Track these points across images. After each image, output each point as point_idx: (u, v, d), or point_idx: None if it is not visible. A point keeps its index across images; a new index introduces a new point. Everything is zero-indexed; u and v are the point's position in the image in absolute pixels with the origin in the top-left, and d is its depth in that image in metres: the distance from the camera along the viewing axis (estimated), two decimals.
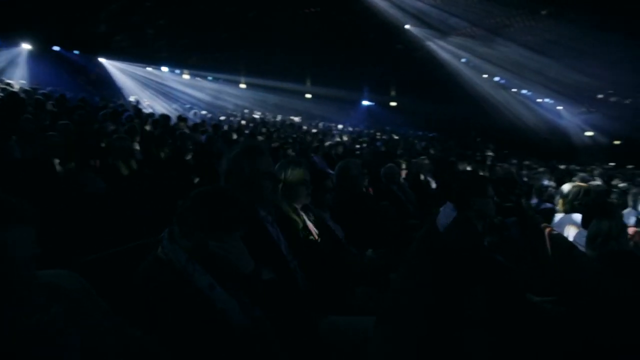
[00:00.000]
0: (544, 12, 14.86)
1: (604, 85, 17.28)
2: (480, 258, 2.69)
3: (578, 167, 14.34)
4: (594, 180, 8.66)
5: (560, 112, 21.19)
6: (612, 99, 18.01)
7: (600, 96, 18.72)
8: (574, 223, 3.80)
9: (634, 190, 4.93)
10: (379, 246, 3.49)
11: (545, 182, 5.86)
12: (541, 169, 11.49)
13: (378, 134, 17.59)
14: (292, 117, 17.50)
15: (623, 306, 2.36)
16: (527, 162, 14.51)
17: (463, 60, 17.04)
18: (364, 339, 2.00)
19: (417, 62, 17.36)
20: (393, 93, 22.54)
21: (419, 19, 14.71)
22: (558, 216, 4.10)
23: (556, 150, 18.36)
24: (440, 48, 16.75)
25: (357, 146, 13.56)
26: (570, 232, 3.71)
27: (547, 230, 3.92)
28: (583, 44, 14.46)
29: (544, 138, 19.94)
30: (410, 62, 17.43)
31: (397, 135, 17.70)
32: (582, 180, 6.02)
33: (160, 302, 1.44)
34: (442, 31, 15.43)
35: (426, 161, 7.74)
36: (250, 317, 1.57)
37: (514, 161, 13.43)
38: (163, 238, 1.59)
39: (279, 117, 16.96)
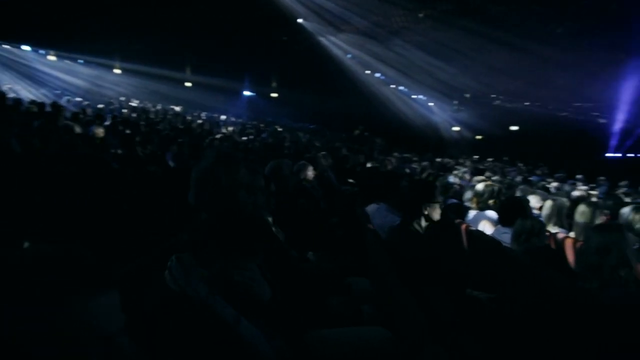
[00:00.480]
0: (421, 15, 16.10)
1: (476, 86, 19.31)
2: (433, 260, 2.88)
3: (452, 160, 15.92)
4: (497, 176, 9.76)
5: (431, 108, 23.20)
6: (482, 99, 20.19)
7: (467, 95, 20.88)
8: (488, 219, 4.23)
9: (522, 186, 5.67)
10: (318, 248, 3.54)
11: (451, 179, 6.41)
12: (425, 163, 12.51)
13: (261, 125, 17.60)
14: (172, 107, 16.70)
15: (552, 295, 2.72)
16: (407, 155, 15.68)
17: (349, 55, 17.81)
18: (352, 352, 2.02)
19: (302, 55, 17.66)
20: (274, 84, 22.65)
21: (314, 13, 15.00)
22: (472, 213, 4.52)
23: (429, 144, 20.07)
24: (331, 43, 17.29)
25: (244, 138, 13.44)
26: (486, 228, 4.13)
27: (463, 226, 4.30)
28: (462, 48, 16.04)
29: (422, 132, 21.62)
30: (295, 54, 17.68)
31: (279, 127, 17.89)
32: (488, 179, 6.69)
33: (186, 343, 1.31)
34: (334, 26, 15.90)
35: (329, 158, 7.94)
36: (274, 347, 1.50)
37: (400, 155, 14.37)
38: (172, 267, 1.44)
39: (159, 106, 16.05)
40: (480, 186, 4.53)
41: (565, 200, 4.74)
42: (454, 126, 23.38)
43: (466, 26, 16.03)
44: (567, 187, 9.55)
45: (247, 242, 1.45)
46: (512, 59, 17.47)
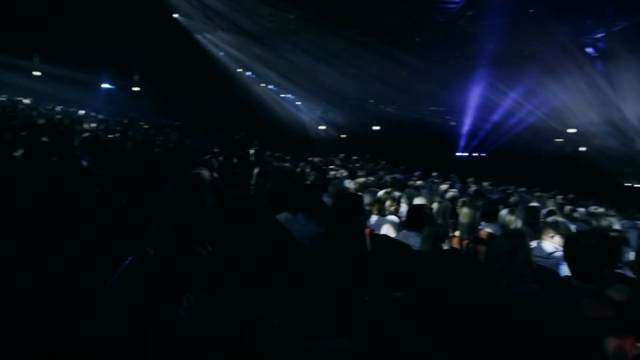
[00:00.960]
0: (292, 16, 16.58)
1: (344, 88, 20.43)
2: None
3: (322, 158, 16.69)
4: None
5: (299, 107, 23.98)
6: (349, 101, 21.41)
7: (338, 98, 21.99)
8: (391, 224, 4.68)
9: (408, 190, 6.33)
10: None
11: (346, 184, 6.81)
12: (302, 163, 12.96)
13: (125, 121, 16.58)
14: (20, 98, 14.84)
15: (468, 292, 3.19)
16: (277, 154, 16.05)
17: (221, 53, 17.60)
18: None
19: (170, 50, 17.00)
20: (137, 77, 21.43)
21: (195, 9, 14.56)
22: (374, 218, 4.95)
23: (298, 142, 20.74)
24: (208, 41, 16.91)
25: (110, 136, 12.58)
26: (390, 232, 4.57)
27: (367, 230, 4.70)
28: (332, 50, 16.87)
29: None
30: (163, 48, 16.95)
31: (144, 123, 17.04)
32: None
33: None
34: (213, 24, 15.60)
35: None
36: None
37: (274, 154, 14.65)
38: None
39: (3, 97, 14.15)
40: (381, 193, 4.99)
41: (448, 203, 5.41)
42: (321, 125, 24.47)
43: (334, 30, 17.00)
44: (443, 187, 10.63)
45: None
46: (377, 64, 18.95)
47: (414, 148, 20.25)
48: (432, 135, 21.36)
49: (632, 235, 5.14)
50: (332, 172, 11.21)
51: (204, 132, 17.96)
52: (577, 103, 19.00)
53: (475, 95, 19.92)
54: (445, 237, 3.79)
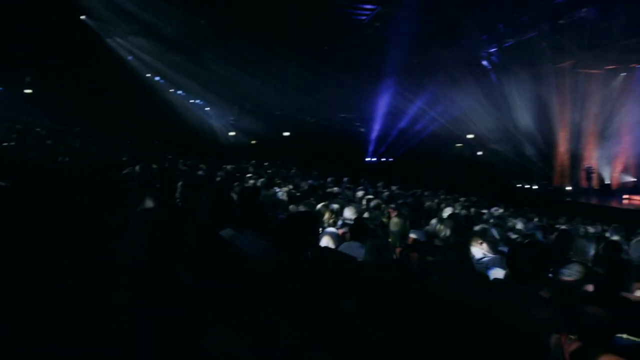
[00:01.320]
0: (202, 21, 16.43)
1: (256, 94, 20.50)
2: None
3: (234, 166, 16.61)
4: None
5: (208, 112, 23.63)
6: (261, 107, 21.49)
7: (249, 104, 22.03)
8: (329, 236, 4.93)
9: (339, 199, 6.64)
10: None
11: (280, 195, 6.92)
12: (221, 173, 12.86)
13: (17, 126, 15.29)
14: None
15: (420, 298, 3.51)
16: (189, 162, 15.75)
17: (130, 58, 16.89)
18: None
19: (73, 51, 15.98)
20: (28, 79, 19.78)
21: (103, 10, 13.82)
22: None
23: (209, 149, 20.43)
24: (116, 44, 16.12)
25: (5, 144, 11.62)
26: (329, 244, 4.80)
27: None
28: (245, 57, 16.93)
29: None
30: (61, 48, 15.87)
31: (41, 129, 15.82)
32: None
33: None
34: (122, 27, 14.93)
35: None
36: None
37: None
38: None
39: None
40: (319, 206, 5.23)
41: (379, 213, 5.79)
42: (231, 131, 24.31)
43: (246, 37, 17.10)
44: (359, 194, 11.04)
45: None
46: (288, 71, 19.32)
47: (325, 154, 20.78)
48: (343, 141, 22.09)
49: (539, 235, 5.85)
50: (251, 181, 11.25)
51: (111, 138, 17.09)
52: (475, 111, 20.75)
53: (383, 103, 21.00)
54: (389, 247, 4.10)
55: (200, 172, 12.27)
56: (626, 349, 2.13)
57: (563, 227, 8.26)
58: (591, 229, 9.85)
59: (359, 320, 3.71)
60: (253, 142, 25.08)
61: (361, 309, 3.75)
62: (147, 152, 14.86)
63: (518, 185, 22.11)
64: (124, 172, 7.64)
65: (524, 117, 20.48)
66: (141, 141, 16.48)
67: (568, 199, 19.51)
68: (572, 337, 2.30)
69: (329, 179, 15.83)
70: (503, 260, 4.24)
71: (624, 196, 19.16)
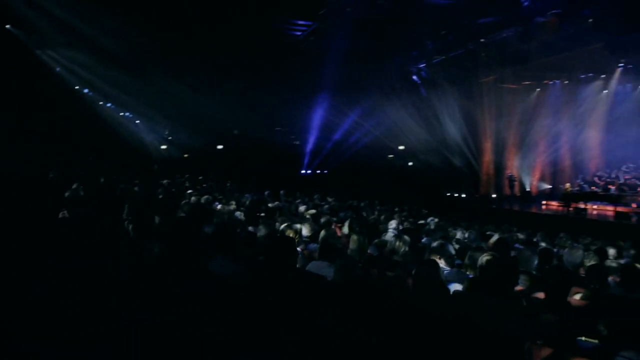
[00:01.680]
0: (138, 33, 16.03)
1: (192, 107, 20.20)
2: None
3: (170, 180, 16.30)
4: None
5: (139, 125, 22.95)
6: (194, 120, 21.13)
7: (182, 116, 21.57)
8: None
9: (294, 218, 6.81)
10: None
11: (237, 214, 6.96)
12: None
13: None
14: None
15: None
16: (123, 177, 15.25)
17: (57, 69, 16.12)
18: None
19: None
20: None
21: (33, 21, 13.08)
22: None
23: (142, 164, 19.89)
24: (46, 56, 15.31)
25: None
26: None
27: None
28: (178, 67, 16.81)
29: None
30: None
31: None
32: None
33: None
34: (52, 39, 14.22)
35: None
36: None
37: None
38: None
39: None
40: (283, 226, 5.40)
41: (333, 229, 6.04)
42: (163, 144, 23.80)
43: (179, 49, 16.94)
44: (301, 208, 11.20)
45: None
46: (223, 84, 19.29)
47: (260, 167, 20.87)
48: (277, 154, 22.28)
49: (483, 245, 6.34)
50: (193, 198, 11.14)
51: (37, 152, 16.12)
52: (406, 123, 21.73)
53: (318, 116, 21.46)
54: (357, 266, 4.35)
55: (135, 189, 11.99)
56: (589, 352, 2.50)
57: (496, 235, 8.90)
58: (521, 236, 10.64)
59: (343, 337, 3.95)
60: (186, 155, 24.67)
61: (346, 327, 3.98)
62: (78, 167, 14.26)
63: (448, 194, 23.29)
64: (67, 194, 7.35)
65: (452, 129, 21.71)
66: (71, 156, 15.78)
67: (493, 206, 20.84)
68: (539, 342, 2.65)
69: (266, 193, 15.87)
70: (460, 273, 4.62)
71: (543, 202, 20.80)
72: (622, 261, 6.82)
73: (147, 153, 22.47)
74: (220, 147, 24.42)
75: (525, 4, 13.90)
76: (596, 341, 2.67)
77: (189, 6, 14.27)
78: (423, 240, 6.82)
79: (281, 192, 16.22)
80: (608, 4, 12.86)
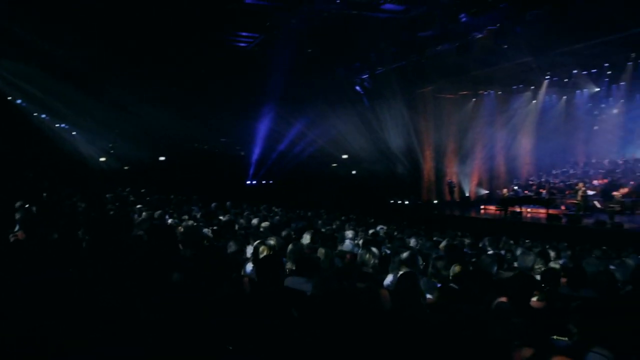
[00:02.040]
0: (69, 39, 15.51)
1: (134, 119, 19.70)
2: None
3: (112, 194, 15.82)
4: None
5: (76, 137, 22.07)
6: (135, 131, 20.60)
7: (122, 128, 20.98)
8: None
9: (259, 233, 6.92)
10: None
11: (205, 230, 6.94)
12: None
13: None
14: None
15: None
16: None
17: None
18: None
19: None
20: None
21: None
22: (249, 267, 5.42)
23: (81, 177, 19.12)
24: None
25: None
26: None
27: (246, 279, 5.19)
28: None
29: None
30: None
31: None
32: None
33: None
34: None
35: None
36: None
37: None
38: None
39: None
40: (256, 243, 5.51)
41: (301, 244, 6.22)
42: (102, 157, 23.00)
43: (121, 59, 16.57)
44: (254, 221, 11.22)
45: None
46: (166, 94, 19.01)
47: (204, 178, 20.63)
48: (223, 164, 22.15)
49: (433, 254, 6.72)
50: (144, 213, 10.92)
51: None
52: (351, 133, 22.29)
53: (263, 127, 21.57)
54: (334, 279, 4.55)
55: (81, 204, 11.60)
56: (564, 350, 2.84)
57: (445, 241, 9.36)
58: (467, 240, 11.21)
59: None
60: (126, 167, 23.94)
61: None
62: (17, 183, 13.56)
63: (391, 201, 24.02)
64: (18, 215, 7.03)
65: (395, 138, 22.49)
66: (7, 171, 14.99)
67: (435, 212, 21.75)
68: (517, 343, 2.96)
69: (212, 205, 15.73)
70: (430, 282, 4.92)
71: (481, 207, 21.94)
72: (560, 262, 7.42)
73: (85, 165, 21.63)
74: (162, 158, 23.89)
75: (463, 20, 14.72)
76: (566, 339, 3.01)
77: (132, 16, 14.02)
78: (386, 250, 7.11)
79: (227, 203, 16.16)
80: (536, 23, 13.92)
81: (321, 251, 5.72)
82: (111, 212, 10.15)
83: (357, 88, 20.86)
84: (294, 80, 18.99)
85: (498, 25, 14.37)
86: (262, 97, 19.92)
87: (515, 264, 6.38)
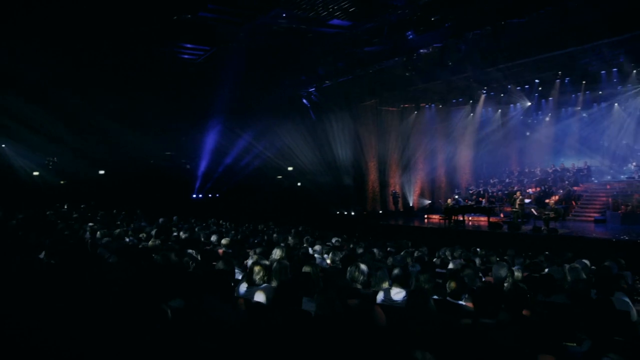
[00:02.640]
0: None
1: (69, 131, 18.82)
2: None
3: (52, 211, 15.03)
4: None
5: (5, 150, 20.74)
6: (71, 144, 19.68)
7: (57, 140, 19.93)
8: (263, 291, 5.27)
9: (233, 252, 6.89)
10: None
11: (189, 251, 6.78)
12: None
13: None
14: None
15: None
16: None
17: None
18: None
19: None
20: None
21: None
22: (243, 287, 5.42)
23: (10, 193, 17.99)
24: None
25: None
26: (262, 300, 5.15)
27: (241, 300, 5.21)
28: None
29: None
30: None
31: None
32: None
33: None
34: None
35: None
36: None
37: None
38: None
39: None
40: (250, 263, 5.52)
41: (286, 263, 6.30)
42: (35, 171, 21.76)
43: (58, 71, 15.90)
44: (213, 238, 11.04)
45: None
46: (109, 105, 18.37)
47: (148, 193, 20.07)
48: (167, 178, 21.58)
49: (414, 269, 7.02)
50: (99, 233, 10.47)
51: None
52: (297, 145, 22.50)
53: (210, 140, 21.32)
54: (337, 298, 4.68)
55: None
56: (579, 356, 3.14)
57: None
58: (416, 253, 11.53)
59: None
60: (62, 182, 22.73)
61: None
62: None
63: (337, 212, 24.37)
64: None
65: (341, 150, 22.93)
66: None
67: (381, 222, 22.29)
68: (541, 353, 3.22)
69: (160, 220, 15.35)
70: None
71: (425, 216, 22.76)
72: (514, 268, 7.89)
73: (16, 180, 20.34)
74: (102, 172, 22.90)
75: (410, 37, 15.37)
76: (574, 344, 3.31)
77: (78, 24, 13.52)
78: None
79: (174, 218, 15.80)
80: (477, 42, 14.88)
81: (306, 269, 5.80)
82: (66, 232, 9.70)
83: (304, 101, 21.13)
84: (241, 93, 18.98)
85: (443, 42, 15.12)
86: (209, 110, 19.72)
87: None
